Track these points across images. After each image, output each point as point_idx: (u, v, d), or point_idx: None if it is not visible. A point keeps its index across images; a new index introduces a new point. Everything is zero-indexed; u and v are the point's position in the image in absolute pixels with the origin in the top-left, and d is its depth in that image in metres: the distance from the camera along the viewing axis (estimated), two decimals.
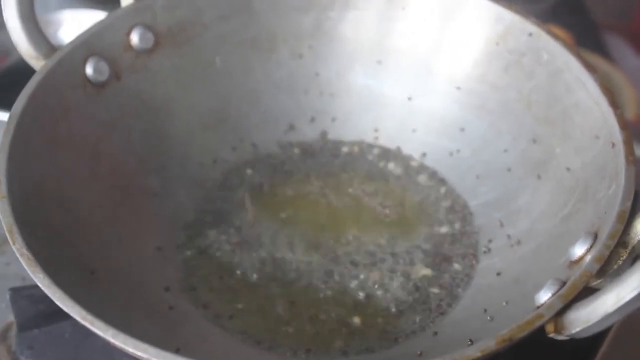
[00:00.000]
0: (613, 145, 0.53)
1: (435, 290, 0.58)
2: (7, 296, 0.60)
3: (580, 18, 1.17)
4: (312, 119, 0.68)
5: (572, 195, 0.55)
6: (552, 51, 0.60)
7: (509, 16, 0.62)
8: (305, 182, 0.66)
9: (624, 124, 0.54)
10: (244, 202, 0.64)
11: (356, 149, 0.68)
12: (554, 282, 0.48)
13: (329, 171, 0.66)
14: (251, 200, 0.64)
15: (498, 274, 0.57)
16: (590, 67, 0.57)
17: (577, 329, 0.44)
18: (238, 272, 0.60)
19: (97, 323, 0.45)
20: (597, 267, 0.46)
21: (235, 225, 0.63)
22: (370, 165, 0.67)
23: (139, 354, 0.44)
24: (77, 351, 0.59)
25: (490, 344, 0.43)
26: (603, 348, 0.60)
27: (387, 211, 0.63)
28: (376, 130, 0.68)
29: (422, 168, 0.66)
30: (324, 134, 0.68)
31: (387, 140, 0.68)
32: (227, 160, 0.67)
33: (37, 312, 0.60)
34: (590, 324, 0.43)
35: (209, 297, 0.58)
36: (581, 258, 0.49)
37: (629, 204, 0.49)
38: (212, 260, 0.60)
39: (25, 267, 0.48)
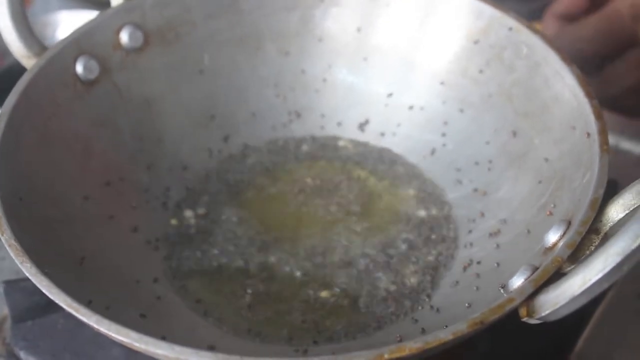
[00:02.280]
0: (588, 135, 0.54)
1: (415, 279, 0.59)
2: (1, 289, 0.61)
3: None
4: (299, 115, 0.70)
5: (549, 185, 0.56)
6: (532, 45, 0.61)
7: (489, 11, 0.63)
8: (291, 178, 0.67)
9: (599, 114, 0.55)
10: (231, 198, 0.65)
11: (342, 144, 0.69)
12: (527, 267, 0.50)
13: (315, 167, 0.68)
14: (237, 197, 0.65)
15: (478, 262, 0.58)
16: (568, 60, 0.59)
17: (547, 312, 0.45)
18: (225, 265, 0.61)
19: (82, 310, 0.46)
20: (568, 252, 0.47)
21: (222, 220, 0.64)
22: (355, 160, 0.68)
23: (122, 339, 0.45)
24: (69, 342, 0.61)
25: (462, 327, 0.44)
26: (585, 334, 0.61)
27: (368, 205, 0.65)
28: (361, 126, 0.69)
29: (406, 162, 0.67)
30: (310, 130, 0.70)
31: (372, 135, 0.69)
32: (215, 156, 0.68)
33: (30, 305, 0.62)
34: (558, 306, 0.44)
35: (197, 289, 0.59)
36: (555, 244, 0.50)
37: (601, 191, 0.50)
38: (200, 253, 0.61)
39: (13, 257, 0.49)
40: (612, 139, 0.71)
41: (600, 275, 0.43)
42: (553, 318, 0.46)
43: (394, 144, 0.68)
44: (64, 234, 0.56)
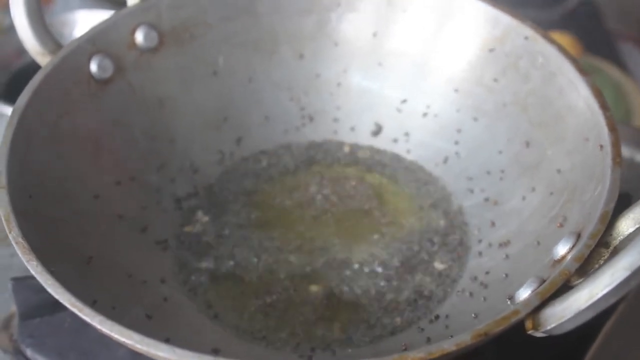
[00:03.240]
0: (601, 147, 0.53)
1: (423, 288, 0.59)
2: (10, 286, 0.61)
3: (596, 26, 1.18)
4: (312, 119, 0.69)
5: (561, 197, 0.56)
6: (547, 55, 0.60)
7: (505, 19, 0.63)
8: (303, 182, 0.67)
9: (612, 126, 0.54)
10: (242, 201, 0.65)
11: (355, 149, 0.69)
12: (535, 280, 0.49)
13: (327, 171, 0.67)
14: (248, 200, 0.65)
15: (487, 272, 0.57)
16: (582, 71, 0.58)
17: (552, 325, 0.45)
18: (234, 268, 0.61)
19: (86, 310, 0.46)
20: (576, 265, 0.47)
21: (233, 223, 0.64)
22: (368, 165, 0.68)
23: (124, 340, 0.45)
24: (75, 340, 0.61)
25: (465, 338, 0.43)
26: (593, 347, 0.60)
27: (379, 211, 0.64)
28: (374, 131, 0.69)
29: (418, 168, 0.67)
30: (323, 135, 0.69)
31: (384, 141, 0.69)
32: (227, 159, 0.68)
33: (38, 302, 0.62)
34: (564, 320, 0.44)
35: (206, 291, 0.59)
36: (563, 257, 0.49)
37: (612, 205, 0.49)
38: (209, 256, 0.61)
39: (20, 255, 0.49)
40: (627, 152, 0.71)
41: (607, 290, 0.43)
42: (558, 332, 0.45)
43: (407, 150, 0.68)
44: (72, 232, 0.56)
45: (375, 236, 0.62)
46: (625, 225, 0.49)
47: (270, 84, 0.69)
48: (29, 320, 0.62)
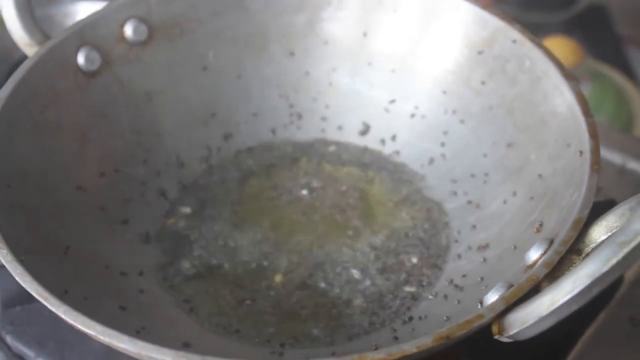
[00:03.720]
0: (581, 153, 0.53)
1: (400, 288, 0.58)
2: None
3: (604, 31, 1.17)
4: (300, 117, 0.69)
5: (541, 202, 0.56)
6: (534, 58, 0.60)
7: (494, 22, 0.63)
8: (289, 179, 0.67)
9: (593, 133, 0.54)
10: (227, 197, 0.65)
11: (342, 148, 0.69)
12: (503, 284, 0.49)
13: (313, 169, 0.67)
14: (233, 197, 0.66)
15: (463, 275, 0.57)
16: (568, 76, 0.58)
17: (515, 331, 0.44)
18: (213, 263, 0.61)
19: (52, 300, 0.47)
20: (545, 271, 0.46)
21: (215, 219, 0.64)
22: (354, 165, 0.67)
23: (88, 331, 0.45)
24: (54, 330, 0.61)
25: (426, 341, 0.43)
26: (572, 355, 0.60)
27: (362, 210, 0.64)
28: (362, 131, 0.69)
29: (404, 169, 0.67)
30: (311, 133, 0.69)
31: (372, 140, 0.68)
32: (214, 154, 0.68)
33: (20, 291, 0.62)
34: (526, 325, 0.44)
35: (184, 285, 0.59)
36: (535, 263, 0.49)
37: (586, 212, 0.49)
38: (191, 250, 0.61)
39: None
40: (619, 159, 0.70)
41: (568, 297, 0.42)
42: (522, 337, 0.45)
43: (394, 150, 0.68)
44: (51, 222, 0.56)
45: (356, 235, 0.62)
46: (598, 233, 0.49)
47: (259, 81, 0.69)
48: (10, 308, 0.63)
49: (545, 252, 0.49)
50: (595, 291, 0.42)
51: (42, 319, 0.62)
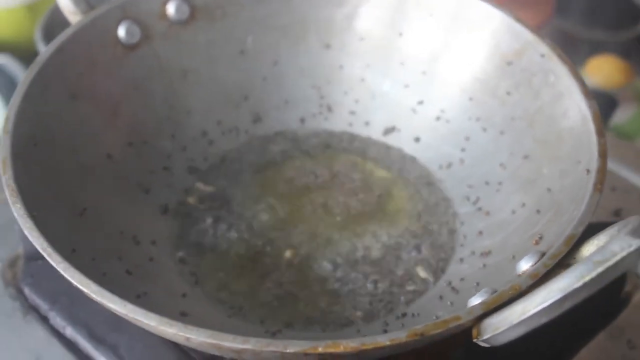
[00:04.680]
0: (588, 171, 0.54)
1: (400, 286, 0.60)
2: (17, 227, 0.65)
3: None
4: (329, 109, 0.71)
5: (545, 216, 0.56)
6: (559, 74, 0.60)
7: (526, 35, 0.63)
8: (311, 167, 0.68)
9: (603, 153, 0.54)
10: (249, 179, 0.67)
11: (366, 143, 0.70)
12: (488, 290, 0.50)
13: (335, 161, 0.69)
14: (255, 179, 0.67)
15: (462, 279, 0.58)
16: (588, 94, 0.58)
17: (487, 336, 0.45)
18: (227, 241, 0.63)
19: (54, 256, 0.49)
20: (529, 282, 0.47)
21: (235, 199, 0.66)
22: (375, 160, 0.69)
23: (82, 288, 0.48)
24: (69, 286, 0.63)
25: (400, 336, 0.44)
26: None
27: (377, 205, 0.65)
28: (388, 128, 0.70)
29: (423, 170, 0.68)
30: (338, 125, 0.71)
31: (396, 138, 0.70)
32: (242, 136, 0.70)
33: None
34: (497, 332, 0.45)
35: (193, 259, 0.61)
36: (524, 273, 0.50)
37: (580, 229, 0.50)
38: (206, 227, 0.63)
39: (7, 197, 0.52)
40: (632, 176, 0.70)
41: (538, 308, 0.43)
42: (495, 343, 0.46)
43: (415, 150, 0.69)
44: (72, 184, 0.59)
45: (367, 229, 0.64)
46: (587, 251, 0.49)
47: (294, 70, 0.71)
48: (32, 261, 0.66)
49: (534, 264, 0.50)
50: (566, 305, 0.43)
51: (59, 275, 0.64)
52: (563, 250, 0.49)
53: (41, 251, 0.50)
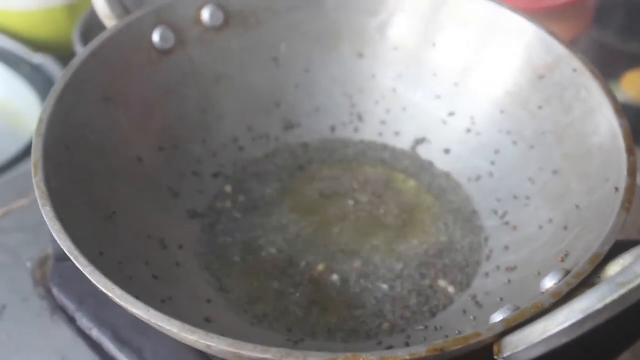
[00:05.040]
0: (616, 190, 0.53)
1: (425, 299, 0.60)
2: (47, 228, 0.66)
3: None
4: (360, 118, 0.71)
5: (572, 232, 0.56)
6: (590, 89, 0.60)
7: (559, 49, 0.63)
8: (340, 176, 0.68)
9: (632, 171, 0.54)
10: (279, 187, 0.68)
11: (396, 154, 0.70)
12: (511, 307, 0.50)
13: (364, 171, 0.69)
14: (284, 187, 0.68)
15: (486, 293, 0.58)
16: (620, 111, 0.58)
17: (508, 354, 0.45)
18: (253, 248, 0.63)
19: (81, 259, 0.50)
20: (552, 300, 0.47)
21: (263, 206, 0.66)
22: (405, 171, 0.69)
23: (107, 292, 0.48)
24: (96, 288, 0.64)
25: (420, 350, 0.45)
26: None
27: (404, 217, 0.65)
28: (418, 139, 0.70)
29: (452, 182, 0.67)
30: (368, 135, 0.71)
31: (426, 150, 0.69)
32: (272, 142, 0.70)
33: None
34: (517, 350, 0.45)
35: (220, 265, 0.62)
36: (547, 291, 0.50)
37: (607, 248, 0.50)
38: (234, 233, 0.64)
39: (38, 199, 0.53)
40: None
41: (559, 328, 0.43)
42: None
43: (445, 162, 0.69)
44: (102, 187, 0.59)
45: (394, 240, 0.64)
46: (613, 270, 0.49)
47: (326, 78, 0.71)
48: (61, 262, 0.66)
49: (559, 282, 0.49)
50: (587, 326, 0.43)
51: (87, 277, 0.65)
52: (588, 269, 0.49)
53: (68, 254, 0.50)
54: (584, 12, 0.98)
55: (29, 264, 0.67)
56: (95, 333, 0.62)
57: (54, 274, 0.66)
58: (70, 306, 0.64)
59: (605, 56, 1.07)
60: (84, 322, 0.63)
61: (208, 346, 0.46)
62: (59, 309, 0.64)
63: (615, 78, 1.00)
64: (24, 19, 1.01)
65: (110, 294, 0.48)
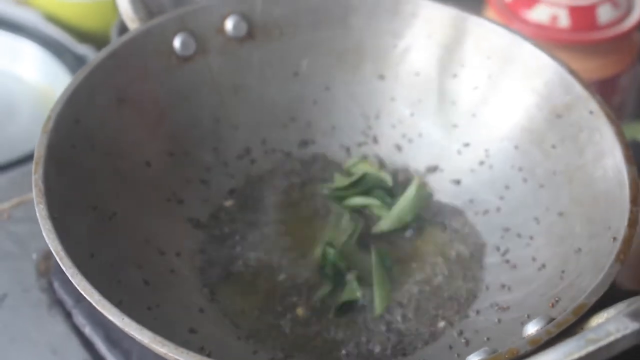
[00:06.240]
0: (614, 239, 0.52)
1: (412, 332, 0.59)
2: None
3: None
4: (375, 140, 0.71)
5: (568, 278, 0.55)
6: (604, 134, 0.59)
7: (578, 89, 0.62)
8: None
9: (633, 223, 0.53)
10: (283, 204, 0.67)
11: (407, 180, 0.69)
12: (487, 350, 0.49)
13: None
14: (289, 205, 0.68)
15: (475, 331, 0.57)
16: (630, 159, 0.57)
17: None
18: (252, 265, 0.63)
19: (65, 260, 0.50)
20: (527, 348, 0.46)
21: (267, 222, 0.66)
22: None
23: (86, 296, 0.49)
24: None
25: None
26: None
27: (407, 247, 0.65)
28: (430, 167, 0.69)
29: (457, 214, 0.66)
30: (382, 159, 0.70)
31: (437, 178, 0.69)
32: (286, 157, 0.70)
33: None
34: None
35: (215, 276, 0.62)
36: (529, 336, 0.49)
37: (593, 299, 0.49)
38: (234, 246, 0.64)
39: (34, 196, 0.54)
40: None
41: None
42: None
43: (454, 192, 0.68)
44: (106, 188, 0.60)
45: (395, 265, 0.63)
46: (596, 322, 0.48)
47: (345, 97, 0.71)
48: None
49: (541, 329, 0.49)
50: None
51: None
52: (570, 319, 0.48)
53: (54, 253, 0.51)
54: (630, 48, 0.96)
55: (34, 256, 0.68)
56: (88, 330, 0.63)
57: (56, 268, 0.67)
58: (69, 301, 0.65)
59: None
60: (79, 318, 0.64)
61: None
62: (57, 303, 0.65)
63: None
64: (72, 9, 1.02)
65: (88, 298, 0.49)
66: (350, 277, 0.61)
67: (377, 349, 0.57)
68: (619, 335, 0.42)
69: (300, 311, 0.60)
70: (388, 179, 0.67)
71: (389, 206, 0.66)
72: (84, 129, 0.60)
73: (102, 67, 0.62)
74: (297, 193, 0.68)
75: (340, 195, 0.67)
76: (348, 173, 0.68)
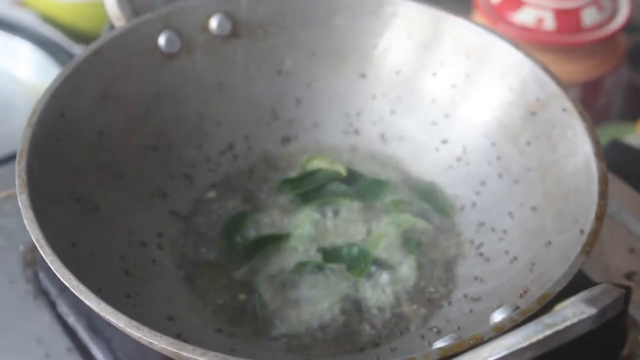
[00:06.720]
0: (581, 232, 0.54)
1: (385, 324, 0.60)
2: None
3: None
4: (357, 133, 0.72)
5: (537, 271, 0.57)
6: (577, 131, 0.60)
7: (552, 87, 0.63)
8: (330, 195, 0.69)
9: (600, 216, 0.54)
10: (265, 200, 0.68)
11: (385, 173, 0.70)
12: (454, 336, 0.50)
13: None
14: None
15: (447, 321, 0.58)
16: (600, 156, 0.58)
17: None
18: (229, 258, 0.64)
19: (45, 248, 0.52)
20: (491, 335, 0.47)
21: (246, 217, 0.66)
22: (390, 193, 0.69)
23: (64, 282, 0.50)
24: None
25: None
26: None
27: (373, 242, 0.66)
28: (408, 165, 0.70)
29: (433, 210, 0.67)
30: (363, 151, 0.72)
31: (414, 175, 0.70)
32: (269, 154, 0.71)
33: None
34: None
35: (197, 268, 0.63)
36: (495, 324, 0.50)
37: (557, 289, 0.50)
38: (214, 239, 0.65)
39: (16, 187, 0.55)
40: None
41: None
42: None
43: (431, 190, 0.69)
44: (89, 181, 0.62)
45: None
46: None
47: (327, 94, 0.72)
48: None
49: (506, 317, 0.50)
50: None
51: None
52: (534, 307, 0.49)
53: (35, 241, 0.52)
54: (614, 51, 0.98)
55: (21, 247, 0.69)
56: (72, 320, 0.64)
57: (42, 259, 0.68)
58: (53, 291, 0.66)
59: (635, 97, 1.06)
60: (63, 308, 0.65)
61: (150, 343, 0.47)
62: (42, 293, 0.66)
63: None
64: (67, 10, 1.04)
65: (67, 283, 0.50)
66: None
67: (346, 344, 0.58)
68: (575, 320, 0.43)
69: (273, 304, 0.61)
70: (342, 170, 0.68)
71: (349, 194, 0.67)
72: (68, 122, 0.61)
73: (87, 62, 0.63)
74: (280, 188, 0.69)
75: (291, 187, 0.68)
76: (302, 169, 0.69)
